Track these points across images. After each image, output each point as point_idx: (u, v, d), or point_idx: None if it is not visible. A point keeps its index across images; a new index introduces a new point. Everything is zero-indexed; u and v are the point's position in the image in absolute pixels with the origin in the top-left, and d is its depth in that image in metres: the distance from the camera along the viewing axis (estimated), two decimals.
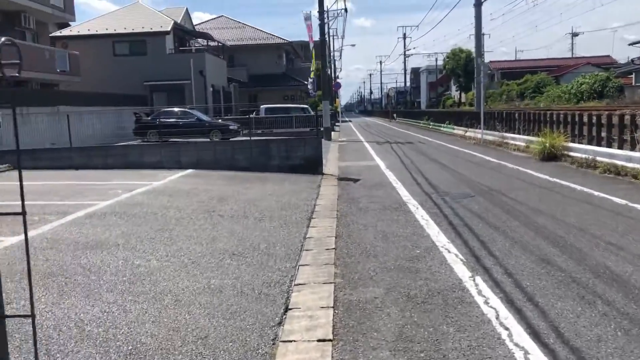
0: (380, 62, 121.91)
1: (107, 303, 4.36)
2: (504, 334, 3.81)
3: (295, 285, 4.90)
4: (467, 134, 26.22)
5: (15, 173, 13.07)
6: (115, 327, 3.89)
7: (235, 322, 4.01)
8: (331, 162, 16.29)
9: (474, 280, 4.98)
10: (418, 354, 3.55)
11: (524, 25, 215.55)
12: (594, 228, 6.81)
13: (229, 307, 4.33)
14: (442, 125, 33.50)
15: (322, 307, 4.39)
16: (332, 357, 3.53)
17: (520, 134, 19.32)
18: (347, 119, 72.88)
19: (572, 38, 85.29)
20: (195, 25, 47.49)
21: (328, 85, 33.35)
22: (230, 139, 21.60)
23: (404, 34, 73.94)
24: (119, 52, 33.06)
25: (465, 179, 11.78)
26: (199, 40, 40.26)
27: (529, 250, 5.93)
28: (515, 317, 4.09)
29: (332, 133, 30.90)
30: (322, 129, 26.71)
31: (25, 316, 3.25)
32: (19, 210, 1.57)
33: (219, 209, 8.42)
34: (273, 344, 3.69)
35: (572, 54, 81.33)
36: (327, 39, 35.00)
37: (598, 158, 12.61)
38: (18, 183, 1.63)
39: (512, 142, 19.36)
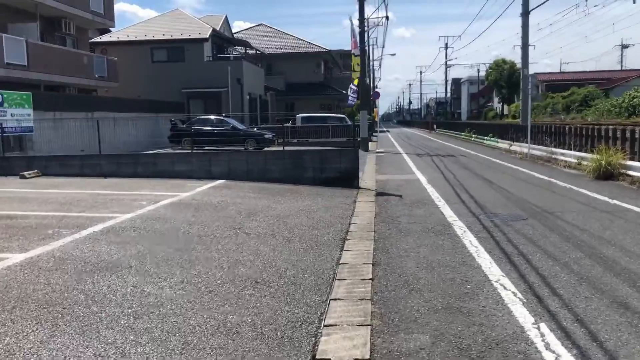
0: (421, 72, 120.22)
1: (104, 344, 3.72)
2: None
3: (325, 326, 4.17)
4: (512, 147, 25.04)
5: (43, 180, 12.79)
6: None
7: None
8: (368, 175, 15.52)
9: (538, 328, 4.15)
10: None
11: (570, 36, 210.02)
12: None
13: (245, 354, 3.63)
14: (485, 138, 32.29)
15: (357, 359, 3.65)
16: None
17: (571, 150, 18.14)
18: (385, 129, 71.94)
19: (622, 50, 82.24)
20: (235, 33, 47.55)
21: (367, 95, 32.59)
22: (264, 149, 21.17)
23: (446, 44, 72.53)
24: (157, 59, 33.12)
25: (514, 198, 10.85)
26: (237, 48, 40.13)
27: (599, 289, 5.05)
28: None
29: (370, 144, 30.11)
30: (359, 139, 26.06)
31: None
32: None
33: (246, 225, 7.76)
34: None
35: (622, 66, 78.50)
36: (367, 47, 34.33)
37: None
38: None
39: (561, 157, 18.19)
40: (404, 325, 4.25)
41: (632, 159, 13.96)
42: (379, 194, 11.87)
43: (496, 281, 5.32)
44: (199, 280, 5.16)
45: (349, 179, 13.09)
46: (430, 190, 12.21)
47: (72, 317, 4.17)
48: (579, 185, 12.52)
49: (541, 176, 14.65)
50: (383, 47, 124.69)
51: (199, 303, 4.55)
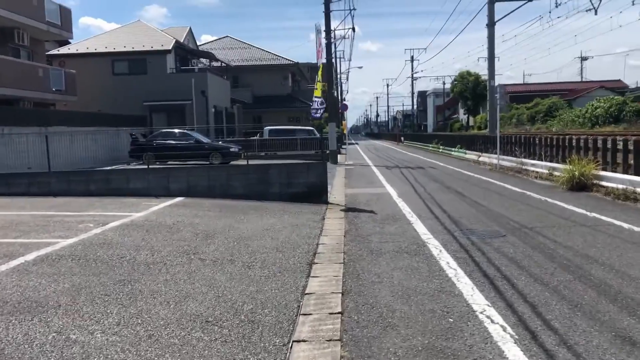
0: (387, 85, 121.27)
1: None
2: None
3: None
4: (481, 159, 24.79)
5: None
6: None
7: None
8: (337, 189, 14.90)
9: None
10: None
11: (531, 49, 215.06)
12: None
13: None
14: (453, 149, 32.11)
15: None
16: None
17: (541, 160, 17.89)
18: (353, 142, 71.71)
19: (582, 62, 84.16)
20: (200, 45, 46.67)
21: (335, 107, 32.13)
22: (231, 163, 20.37)
23: (412, 57, 73.15)
24: (118, 71, 32.06)
25: (489, 212, 10.34)
26: (202, 60, 39.28)
27: (598, 320, 4.48)
28: None
29: (339, 156, 29.58)
30: (328, 151, 25.47)
31: None
32: None
33: (202, 250, 7.01)
34: None
35: (582, 78, 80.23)
36: (333, 60, 33.89)
37: (639, 189, 11.16)
38: None
39: (532, 168, 17.91)
40: None
41: (604, 169, 13.69)
42: (348, 209, 11.24)
43: (481, 312, 4.70)
44: (139, 321, 4.40)
45: (317, 194, 12.44)
46: (402, 204, 11.64)
47: None
48: (554, 197, 12.12)
49: (514, 188, 14.25)
50: (350, 59, 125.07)
51: (135, 352, 3.79)
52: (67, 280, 5.48)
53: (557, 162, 16.75)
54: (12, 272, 5.74)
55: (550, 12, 30.42)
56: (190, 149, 21.99)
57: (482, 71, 68.18)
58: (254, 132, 31.86)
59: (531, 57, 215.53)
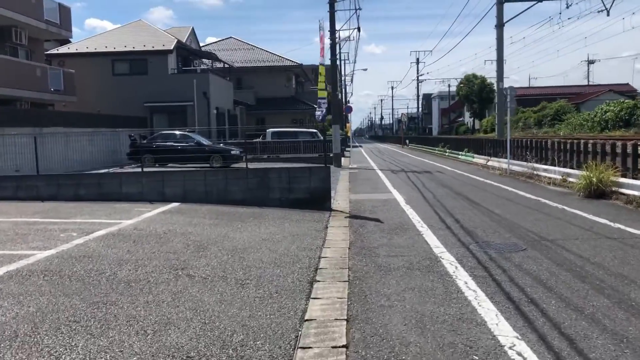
0: (392, 88, 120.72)
1: None
2: None
3: None
4: (490, 163, 24.06)
5: None
6: None
7: None
8: (341, 195, 14.21)
9: None
10: None
11: (536, 52, 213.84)
12: None
13: None
14: (460, 153, 31.37)
15: None
16: None
17: (554, 165, 17.16)
18: (357, 144, 71.01)
19: (589, 65, 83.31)
20: (203, 46, 46.06)
21: (339, 109, 31.46)
22: (232, 166, 19.74)
23: (417, 59, 72.24)
24: (118, 71, 31.46)
25: (504, 222, 9.63)
26: (205, 61, 38.66)
27: None
28: None
29: (343, 159, 28.88)
30: (331, 154, 24.80)
31: None
32: None
33: (192, 264, 6.33)
34: None
35: (588, 81, 79.39)
36: (338, 62, 33.26)
37: None
38: None
39: (544, 174, 17.18)
40: None
41: (624, 175, 12.97)
42: (353, 217, 10.56)
43: (511, 347, 4.01)
44: (107, 357, 3.72)
45: (320, 200, 11.78)
46: (410, 212, 10.95)
47: None
48: (571, 205, 11.40)
49: (527, 194, 13.54)
50: (355, 62, 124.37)
51: None
52: (33, 302, 4.81)
53: (572, 167, 16.04)
54: None
55: (560, 14, 29.79)
56: (190, 151, 21.41)
57: (488, 74, 67.62)
58: (257, 134, 31.25)
59: (539, 59, 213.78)
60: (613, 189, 12.62)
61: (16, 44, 24.55)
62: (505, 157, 21.11)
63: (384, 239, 8.29)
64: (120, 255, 6.61)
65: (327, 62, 27.21)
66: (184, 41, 35.56)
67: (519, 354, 3.90)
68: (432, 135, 77.78)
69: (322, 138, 28.93)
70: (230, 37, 52.33)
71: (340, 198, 13.42)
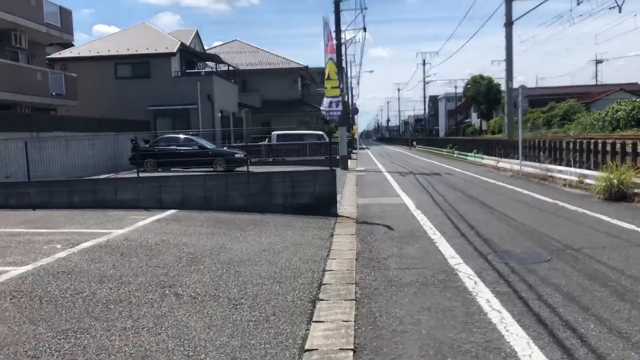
0: (399, 90, 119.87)
1: None
2: None
3: None
4: (500, 164, 23.33)
5: None
6: None
7: None
8: (347, 199, 13.57)
9: None
10: None
11: (546, 52, 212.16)
12: None
13: None
14: (469, 154, 30.63)
15: None
16: None
17: (570, 166, 16.43)
18: (364, 147, 70.32)
19: (597, 65, 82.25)
20: (208, 49, 45.59)
21: (345, 110, 30.79)
22: (235, 170, 19.18)
23: (424, 61, 71.71)
24: (121, 75, 30.97)
25: (522, 228, 8.96)
26: (209, 63, 38.13)
27: None
28: None
29: (349, 162, 28.24)
30: (337, 157, 24.16)
31: None
32: None
33: (181, 281, 5.71)
34: None
35: (597, 81, 78.34)
36: (344, 64, 32.65)
37: None
38: None
39: (559, 175, 16.45)
40: None
41: None
42: (360, 223, 9.92)
43: None
44: None
45: (325, 205, 11.15)
46: (421, 217, 10.30)
47: None
48: (592, 209, 10.71)
49: (543, 197, 12.84)
50: (360, 63, 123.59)
51: None
52: None
53: (588, 168, 15.33)
54: None
55: (571, 11, 29.05)
56: (193, 155, 20.85)
57: (495, 75, 66.73)
58: (262, 137, 30.69)
59: (547, 58, 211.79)
60: (635, 190, 11.92)
61: (16, 48, 24.12)
62: (516, 158, 20.41)
63: (394, 248, 7.64)
64: (104, 271, 6.00)
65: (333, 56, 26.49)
66: (187, 44, 35.06)
67: None
68: (439, 136, 76.97)
69: (328, 140, 28.34)
70: (235, 39, 51.78)
71: (347, 202, 12.78)
